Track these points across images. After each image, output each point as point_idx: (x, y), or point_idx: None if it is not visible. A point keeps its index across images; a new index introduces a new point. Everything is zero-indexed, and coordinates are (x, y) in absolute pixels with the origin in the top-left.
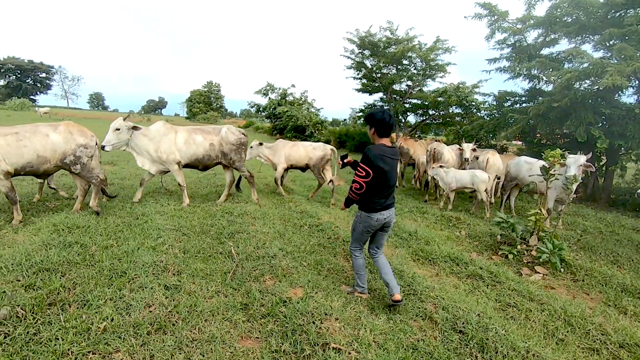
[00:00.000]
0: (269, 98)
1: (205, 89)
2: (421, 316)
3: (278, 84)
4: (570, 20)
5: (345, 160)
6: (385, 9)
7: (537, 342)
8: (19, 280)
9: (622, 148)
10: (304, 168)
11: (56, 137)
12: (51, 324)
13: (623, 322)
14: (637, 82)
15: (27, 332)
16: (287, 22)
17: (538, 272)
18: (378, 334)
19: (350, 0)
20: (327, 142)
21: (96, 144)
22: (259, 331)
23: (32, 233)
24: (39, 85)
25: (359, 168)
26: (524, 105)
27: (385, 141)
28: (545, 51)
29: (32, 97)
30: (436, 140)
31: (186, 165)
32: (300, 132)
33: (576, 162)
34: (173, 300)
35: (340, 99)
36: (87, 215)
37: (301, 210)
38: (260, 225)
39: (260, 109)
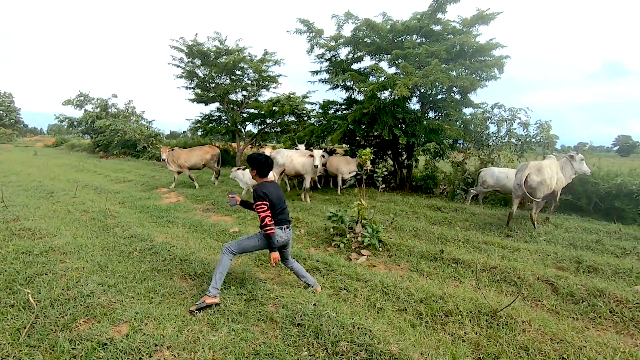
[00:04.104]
0: (85, 110)
1: None
2: (263, 319)
3: (94, 93)
4: (369, 41)
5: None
6: (212, 19)
7: (361, 315)
8: None
9: (415, 145)
10: None
11: None
12: None
13: (422, 282)
14: (418, 93)
15: None
16: (97, 25)
17: (363, 255)
18: (218, 349)
19: (170, 7)
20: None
21: None
22: None
23: None
24: None
25: (258, 205)
26: (344, 112)
27: (266, 179)
28: (354, 66)
29: None
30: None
31: None
32: (130, 148)
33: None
34: None
35: (176, 109)
36: None
37: (130, 234)
38: (73, 261)
39: (74, 124)
